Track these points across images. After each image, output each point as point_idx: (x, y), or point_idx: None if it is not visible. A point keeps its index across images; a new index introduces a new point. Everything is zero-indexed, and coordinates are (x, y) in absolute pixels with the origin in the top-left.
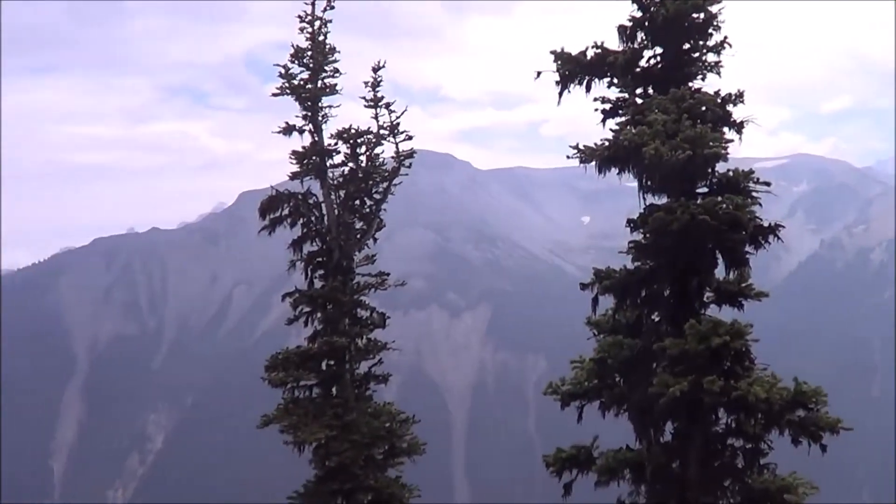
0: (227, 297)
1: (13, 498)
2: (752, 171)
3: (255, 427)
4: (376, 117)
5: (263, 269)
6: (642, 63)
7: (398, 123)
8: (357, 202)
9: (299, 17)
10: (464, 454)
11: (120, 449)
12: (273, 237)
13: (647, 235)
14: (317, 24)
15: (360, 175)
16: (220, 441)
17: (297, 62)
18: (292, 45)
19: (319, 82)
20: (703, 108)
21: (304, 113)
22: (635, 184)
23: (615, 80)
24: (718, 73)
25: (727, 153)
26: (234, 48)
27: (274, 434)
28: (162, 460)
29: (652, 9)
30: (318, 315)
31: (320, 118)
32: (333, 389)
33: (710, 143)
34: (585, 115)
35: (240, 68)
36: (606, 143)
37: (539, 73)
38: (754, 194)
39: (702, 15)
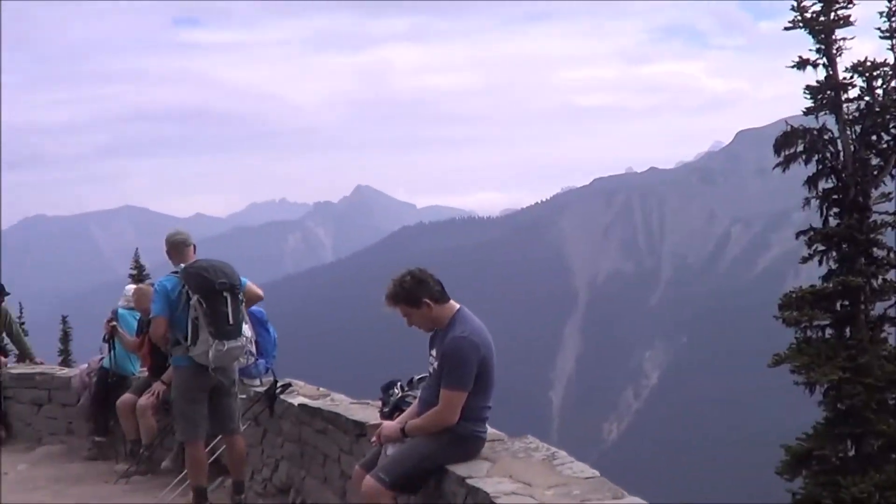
0: (724, 236)
1: (514, 427)
2: None
3: (753, 366)
4: (893, 48)
5: (760, 206)
6: None
7: None
8: (874, 137)
9: None
10: None
11: (615, 384)
12: (768, 176)
13: None
14: None
15: (877, 109)
16: (715, 379)
17: None
18: None
19: (832, 14)
20: None
21: (818, 46)
22: None
23: None
24: None
25: None
26: None
27: (773, 375)
28: (656, 397)
29: None
30: (833, 254)
31: (834, 51)
32: (847, 330)
33: None
34: None
35: (732, 7)
36: None
37: None
38: None
39: None
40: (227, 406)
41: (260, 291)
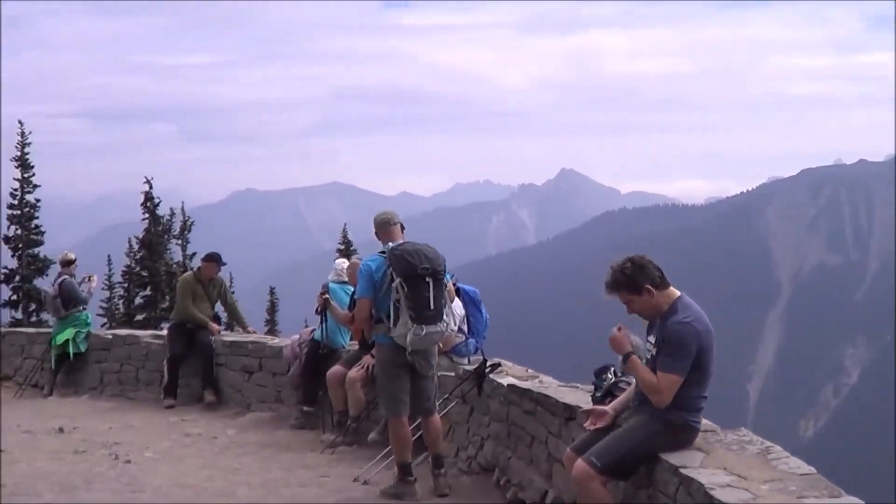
0: None
1: (710, 418)
2: None
3: None
4: None
5: None
6: None
7: None
8: None
9: None
10: None
11: (815, 379)
12: None
13: None
14: None
15: None
16: None
17: None
18: None
19: None
20: None
21: None
22: None
23: None
24: None
25: None
26: None
27: None
28: (855, 396)
29: None
30: None
31: None
32: None
33: None
34: None
35: None
36: None
37: None
38: None
39: None
40: (423, 388)
41: (454, 293)
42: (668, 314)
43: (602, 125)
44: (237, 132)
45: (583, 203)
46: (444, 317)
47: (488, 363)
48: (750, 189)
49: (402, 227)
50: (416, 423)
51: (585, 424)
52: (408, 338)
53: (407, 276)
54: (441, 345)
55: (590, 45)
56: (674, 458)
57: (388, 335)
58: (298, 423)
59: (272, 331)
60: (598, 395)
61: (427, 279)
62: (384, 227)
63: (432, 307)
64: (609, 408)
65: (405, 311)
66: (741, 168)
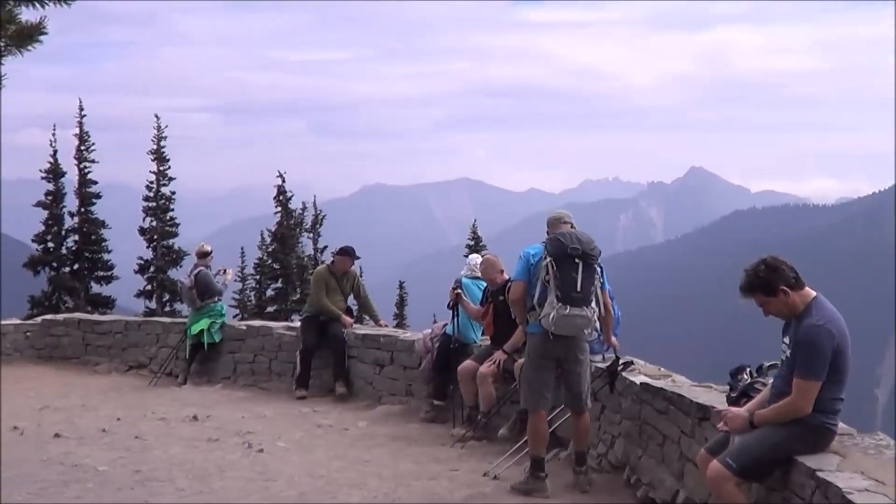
0: None
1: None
2: None
3: None
4: None
5: None
6: None
7: None
8: None
9: None
10: None
11: None
12: None
13: None
14: None
15: None
16: None
17: None
18: None
19: None
20: None
21: None
22: None
23: None
24: None
25: None
26: None
27: None
28: None
29: None
30: None
31: None
32: None
33: None
34: None
35: None
36: None
37: None
38: None
39: None
40: (571, 383)
41: (609, 304)
42: (803, 315)
43: (733, 123)
44: (367, 127)
45: (712, 202)
46: (592, 304)
47: (621, 361)
48: (882, 189)
49: (573, 228)
50: (549, 418)
51: (719, 426)
52: (552, 317)
53: (557, 255)
54: None
55: (719, 42)
56: (810, 461)
57: (539, 324)
58: (429, 417)
59: (401, 325)
60: (733, 395)
61: (577, 260)
62: (554, 223)
63: (579, 289)
64: (744, 410)
65: (552, 290)
66: (874, 168)
